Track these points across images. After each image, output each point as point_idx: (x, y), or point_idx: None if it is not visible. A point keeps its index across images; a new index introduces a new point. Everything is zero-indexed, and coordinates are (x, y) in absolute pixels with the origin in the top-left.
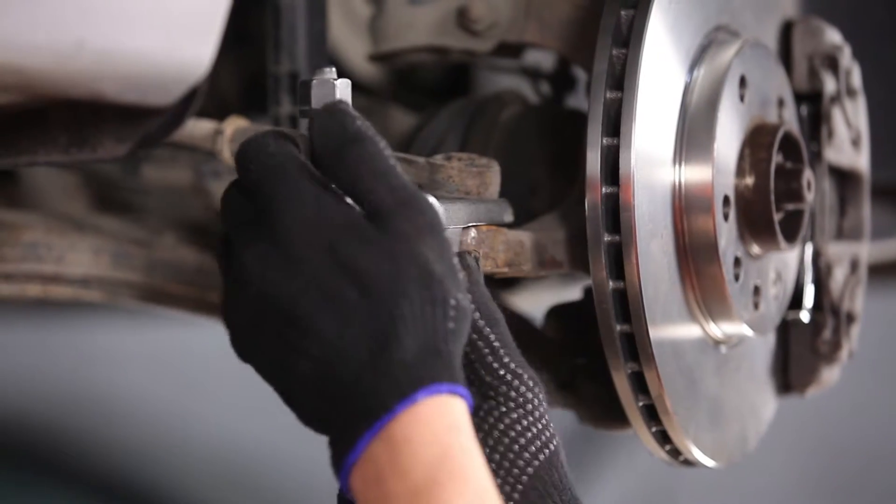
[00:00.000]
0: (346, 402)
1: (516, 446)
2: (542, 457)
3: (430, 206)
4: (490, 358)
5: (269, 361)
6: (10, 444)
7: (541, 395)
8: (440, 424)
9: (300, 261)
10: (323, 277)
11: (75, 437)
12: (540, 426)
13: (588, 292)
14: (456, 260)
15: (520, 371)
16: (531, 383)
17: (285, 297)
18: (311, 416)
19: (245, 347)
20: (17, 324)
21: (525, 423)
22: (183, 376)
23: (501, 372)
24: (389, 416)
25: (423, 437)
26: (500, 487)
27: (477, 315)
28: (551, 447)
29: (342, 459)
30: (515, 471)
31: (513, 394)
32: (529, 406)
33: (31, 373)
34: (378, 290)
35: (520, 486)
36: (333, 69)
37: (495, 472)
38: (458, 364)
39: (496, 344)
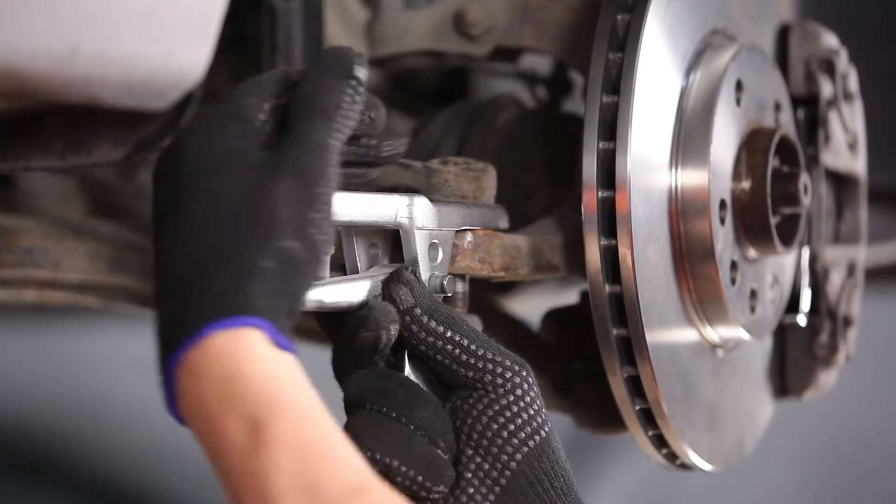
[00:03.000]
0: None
1: (505, 433)
2: (531, 443)
3: (324, 156)
4: (464, 356)
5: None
6: (8, 448)
7: (530, 380)
8: (228, 355)
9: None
10: (187, 192)
11: (72, 442)
12: (531, 412)
13: (585, 296)
14: (322, 215)
15: (499, 358)
16: (516, 367)
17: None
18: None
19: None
20: (13, 329)
21: (514, 409)
22: None
23: (479, 364)
24: (183, 349)
25: (212, 370)
26: (487, 473)
27: (433, 324)
28: (542, 433)
29: (162, 385)
30: (503, 457)
31: (499, 381)
32: (519, 391)
33: (28, 378)
34: (210, 219)
35: (507, 473)
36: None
37: (482, 458)
38: (267, 298)
39: (464, 342)
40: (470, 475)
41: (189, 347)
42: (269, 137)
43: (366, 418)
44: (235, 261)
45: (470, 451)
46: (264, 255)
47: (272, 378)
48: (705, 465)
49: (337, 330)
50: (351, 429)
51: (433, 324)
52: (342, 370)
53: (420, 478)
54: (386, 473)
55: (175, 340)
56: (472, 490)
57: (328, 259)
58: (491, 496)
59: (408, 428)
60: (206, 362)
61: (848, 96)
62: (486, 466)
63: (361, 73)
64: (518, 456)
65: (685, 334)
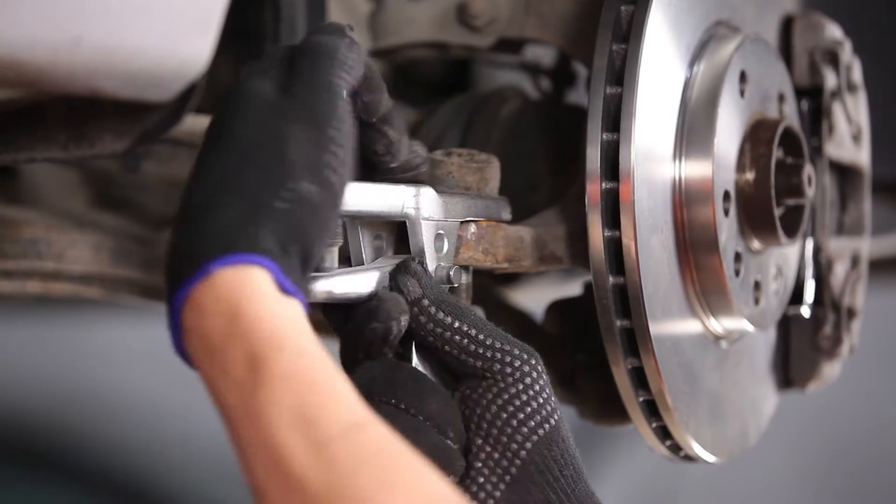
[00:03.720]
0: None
1: (514, 421)
2: (541, 432)
3: (332, 96)
4: (473, 345)
5: None
6: (10, 440)
7: (539, 368)
8: (232, 293)
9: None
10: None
11: (75, 434)
12: (540, 400)
13: (588, 288)
14: (338, 158)
15: (507, 347)
16: (525, 356)
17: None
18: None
19: None
20: (17, 321)
21: (524, 397)
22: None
23: (488, 353)
24: (190, 285)
25: (216, 306)
26: (497, 462)
27: (441, 314)
28: (552, 421)
29: (168, 322)
30: (514, 445)
31: (508, 369)
32: (528, 379)
33: (32, 370)
34: (225, 159)
35: (517, 461)
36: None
37: (492, 447)
38: (278, 240)
39: (472, 331)
40: (480, 464)
41: (195, 283)
42: (285, 80)
43: (375, 410)
44: (246, 200)
45: (480, 441)
46: (277, 195)
47: (274, 317)
48: (709, 457)
49: (344, 322)
50: None
51: (441, 314)
52: (350, 362)
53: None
54: None
55: (182, 276)
56: (482, 479)
57: (340, 204)
58: (501, 485)
59: (417, 419)
60: (210, 298)
61: (852, 87)
62: (497, 456)
63: (352, 35)
64: (528, 445)
65: (689, 326)
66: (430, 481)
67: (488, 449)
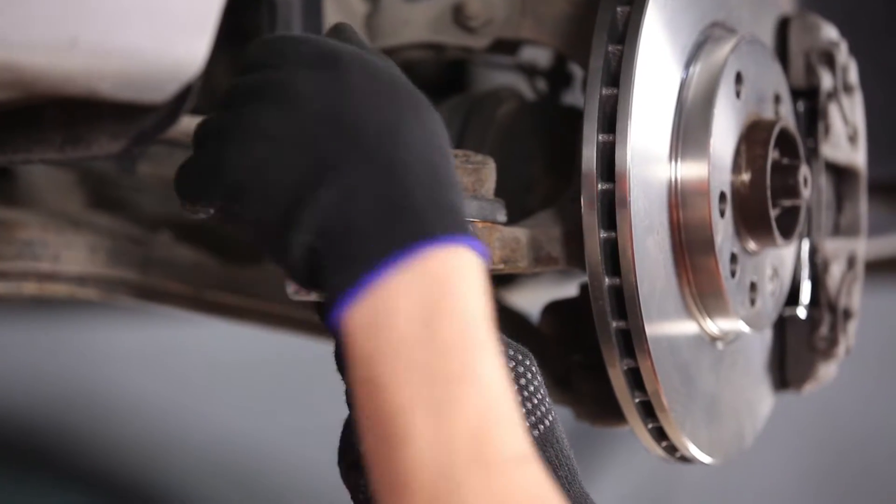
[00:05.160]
0: (367, 230)
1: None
2: (535, 433)
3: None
4: None
5: (287, 185)
6: (7, 442)
7: (534, 369)
8: (477, 277)
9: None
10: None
11: (72, 436)
12: (535, 401)
13: (584, 289)
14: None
15: (502, 348)
16: (519, 357)
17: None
18: (311, 252)
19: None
20: (13, 322)
21: (518, 398)
22: (179, 374)
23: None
24: (424, 247)
25: (458, 285)
26: None
27: None
28: (546, 422)
29: (351, 285)
30: None
31: None
32: (522, 381)
33: (28, 371)
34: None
35: None
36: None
37: None
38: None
39: None
40: None
41: (395, 264)
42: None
43: None
44: (449, 182)
45: None
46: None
47: (484, 312)
48: (705, 458)
49: None
50: (355, 423)
51: None
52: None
53: None
54: None
55: (373, 257)
56: None
57: None
58: None
59: None
60: (410, 284)
61: (848, 88)
62: None
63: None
64: None
65: (685, 327)
66: None
67: None
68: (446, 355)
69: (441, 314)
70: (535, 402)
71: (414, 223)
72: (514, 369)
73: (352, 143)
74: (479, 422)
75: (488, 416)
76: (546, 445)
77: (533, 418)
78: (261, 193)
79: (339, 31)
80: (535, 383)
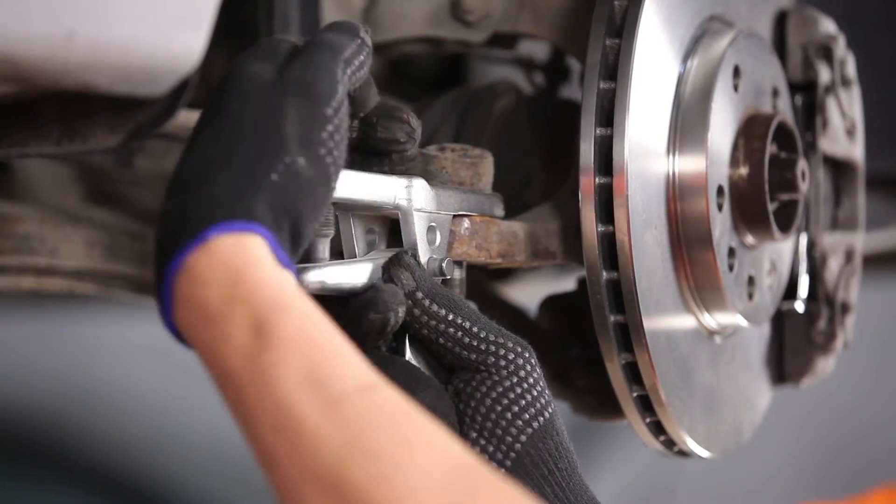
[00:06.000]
0: (165, 233)
1: (508, 414)
2: (535, 424)
3: (330, 78)
4: (467, 338)
5: None
6: (5, 436)
7: (533, 361)
8: (232, 258)
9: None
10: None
11: (70, 430)
12: (535, 393)
13: (582, 283)
14: (333, 138)
15: (501, 340)
16: (519, 349)
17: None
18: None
19: None
20: (10, 316)
21: (518, 390)
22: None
23: (482, 346)
24: (185, 252)
25: (214, 273)
26: (492, 455)
27: (435, 307)
28: (546, 414)
29: (158, 294)
30: (508, 438)
31: (502, 362)
32: (522, 373)
33: (25, 365)
34: (221, 133)
35: (512, 454)
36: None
37: (487, 440)
38: (271, 211)
39: (466, 324)
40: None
41: (191, 250)
42: (285, 64)
43: None
44: (242, 172)
45: (474, 434)
46: (272, 168)
47: (276, 282)
48: (703, 452)
49: (337, 315)
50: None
51: (435, 307)
52: None
53: None
54: None
55: (176, 244)
56: None
57: (334, 185)
58: None
59: None
60: (208, 264)
61: (846, 82)
62: (491, 449)
63: (367, 37)
64: (522, 437)
65: (683, 321)
66: (446, 440)
67: (482, 442)
68: (255, 309)
69: (234, 301)
70: (535, 394)
71: (177, 230)
72: (512, 361)
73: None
74: (308, 368)
75: (316, 359)
76: (546, 438)
77: (532, 410)
78: None
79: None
80: (535, 375)
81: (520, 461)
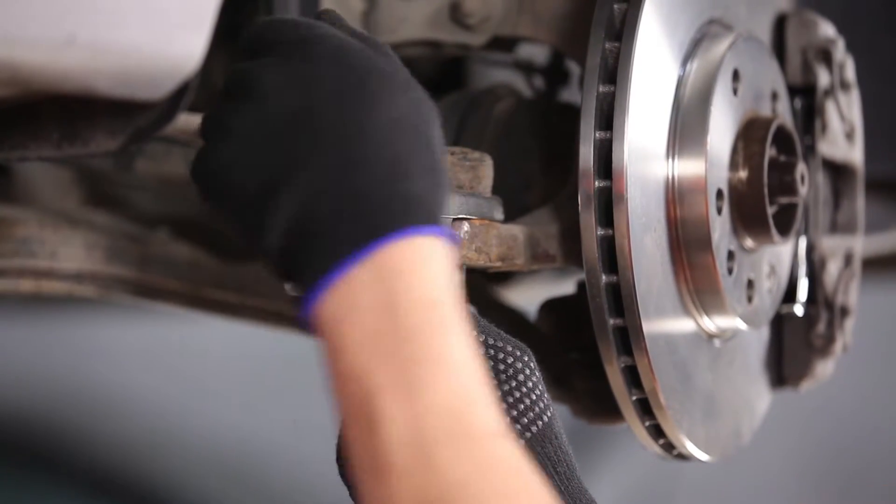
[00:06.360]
0: (345, 218)
1: (507, 418)
2: (534, 429)
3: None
4: None
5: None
6: (5, 439)
7: (532, 365)
8: (440, 265)
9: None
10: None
11: (70, 433)
12: (533, 397)
13: (581, 286)
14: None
15: (500, 344)
16: (518, 353)
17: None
18: (284, 238)
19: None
20: (10, 319)
21: (517, 395)
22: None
23: (481, 350)
24: (384, 241)
25: (420, 274)
26: None
27: None
28: (544, 419)
29: (317, 282)
30: None
31: (501, 367)
32: (521, 377)
33: (25, 368)
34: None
35: None
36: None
37: None
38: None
39: None
40: None
41: (355, 261)
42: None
43: None
44: (416, 170)
45: None
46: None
47: (435, 316)
48: (702, 456)
49: None
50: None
51: None
52: None
53: None
54: None
55: (335, 256)
56: None
57: None
58: None
59: None
60: (407, 258)
61: (845, 86)
62: None
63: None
64: (521, 442)
65: (682, 324)
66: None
67: None
68: (412, 341)
69: (402, 303)
70: (534, 398)
71: (374, 218)
72: (511, 365)
73: (315, 141)
74: (452, 400)
75: (460, 394)
76: (544, 441)
77: (531, 414)
78: (228, 197)
79: (327, 17)
80: (534, 379)
81: None
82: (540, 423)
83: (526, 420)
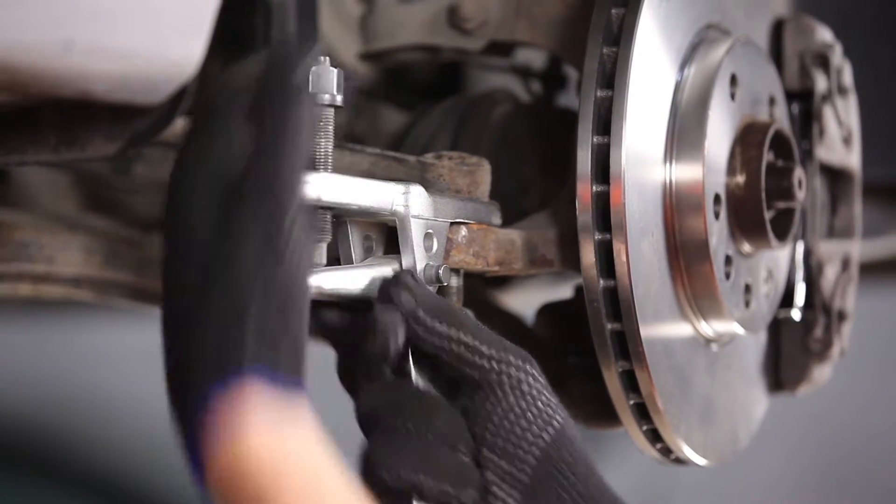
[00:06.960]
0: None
1: (517, 429)
2: (546, 436)
3: (291, 181)
4: (468, 354)
5: None
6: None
7: (535, 373)
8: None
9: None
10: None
11: (68, 437)
12: (539, 405)
13: (579, 291)
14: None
15: (503, 355)
16: (520, 362)
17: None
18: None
19: None
20: (7, 323)
21: (523, 405)
22: None
23: (484, 363)
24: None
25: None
26: (510, 473)
27: (437, 325)
28: (555, 424)
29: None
30: (521, 453)
31: (504, 378)
32: (525, 386)
33: (23, 372)
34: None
35: (528, 469)
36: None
37: (501, 458)
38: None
39: (468, 339)
40: (491, 475)
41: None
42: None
43: (385, 438)
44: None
45: (486, 452)
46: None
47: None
48: (700, 460)
49: (341, 340)
50: (372, 451)
51: (437, 325)
52: (349, 379)
53: (449, 488)
54: (415, 490)
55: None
56: (495, 488)
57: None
58: (515, 494)
59: (428, 439)
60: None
61: (842, 90)
62: (505, 465)
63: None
64: (535, 450)
65: (679, 329)
66: None
67: (496, 459)
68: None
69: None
70: (540, 406)
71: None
72: (514, 376)
73: None
74: None
75: None
76: (559, 446)
77: (540, 422)
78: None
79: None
80: (538, 387)
81: (536, 474)
82: (550, 429)
83: (536, 429)
